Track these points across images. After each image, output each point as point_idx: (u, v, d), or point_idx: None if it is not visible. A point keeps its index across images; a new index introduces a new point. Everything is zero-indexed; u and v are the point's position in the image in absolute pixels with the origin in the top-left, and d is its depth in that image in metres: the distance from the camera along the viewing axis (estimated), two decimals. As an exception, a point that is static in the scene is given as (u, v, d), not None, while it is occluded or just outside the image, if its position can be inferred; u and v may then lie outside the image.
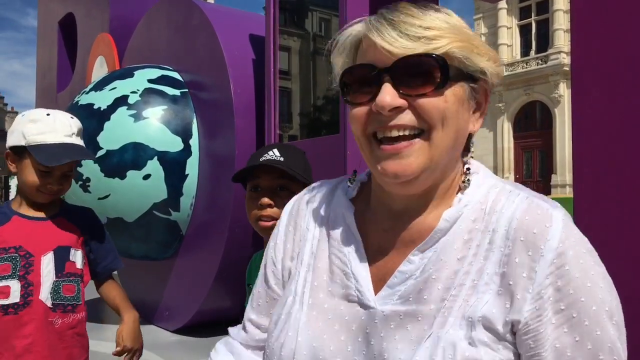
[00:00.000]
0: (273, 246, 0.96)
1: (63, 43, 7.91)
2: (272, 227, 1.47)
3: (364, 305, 0.80)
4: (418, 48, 0.74)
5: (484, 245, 0.77)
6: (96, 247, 1.90)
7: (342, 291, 0.83)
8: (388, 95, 0.75)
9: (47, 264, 1.73)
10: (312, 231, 0.92)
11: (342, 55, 0.83)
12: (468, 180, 0.83)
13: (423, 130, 0.76)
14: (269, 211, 1.49)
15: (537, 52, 32.94)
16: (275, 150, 1.52)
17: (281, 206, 1.48)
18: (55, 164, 1.71)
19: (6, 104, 58.71)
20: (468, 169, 0.84)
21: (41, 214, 1.79)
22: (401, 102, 0.75)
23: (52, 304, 1.73)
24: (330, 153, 3.03)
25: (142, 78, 4.14)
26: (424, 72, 0.74)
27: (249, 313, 0.97)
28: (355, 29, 0.81)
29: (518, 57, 33.96)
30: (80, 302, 1.81)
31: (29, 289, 1.70)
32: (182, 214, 4.02)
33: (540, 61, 32.16)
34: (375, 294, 0.80)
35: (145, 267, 4.47)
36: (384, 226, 0.85)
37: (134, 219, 3.89)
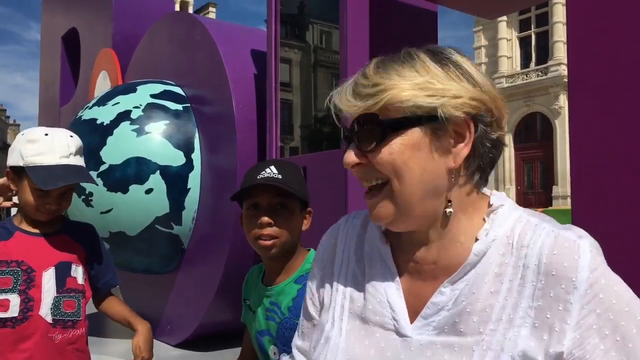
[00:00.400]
0: (312, 276, 1.02)
1: (66, 58, 7.96)
2: (271, 246, 1.47)
3: (400, 334, 0.84)
4: (361, 106, 0.81)
5: (516, 280, 0.79)
6: (97, 263, 1.91)
7: (377, 319, 0.87)
8: (350, 153, 0.84)
9: (48, 280, 1.73)
10: (348, 263, 0.96)
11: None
12: (492, 213, 0.85)
13: (387, 181, 0.82)
14: (269, 230, 1.47)
15: (537, 63, 33.05)
16: (273, 168, 1.49)
17: (280, 224, 1.48)
18: (50, 188, 1.70)
19: (8, 117, 58.96)
20: (490, 204, 0.86)
21: (43, 230, 1.80)
22: (357, 159, 0.83)
23: (53, 319, 1.73)
24: (331, 167, 3.04)
25: (144, 93, 4.17)
26: (366, 131, 0.81)
27: (296, 340, 1.03)
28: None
29: (518, 69, 34.08)
30: (80, 318, 1.81)
31: (29, 304, 1.70)
32: (184, 227, 4.03)
33: (540, 73, 32.26)
34: (410, 323, 0.84)
35: (147, 281, 4.47)
36: (414, 257, 0.88)
37: (136, 233, 3.90)
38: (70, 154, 1.77)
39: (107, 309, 1.96)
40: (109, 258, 1.96)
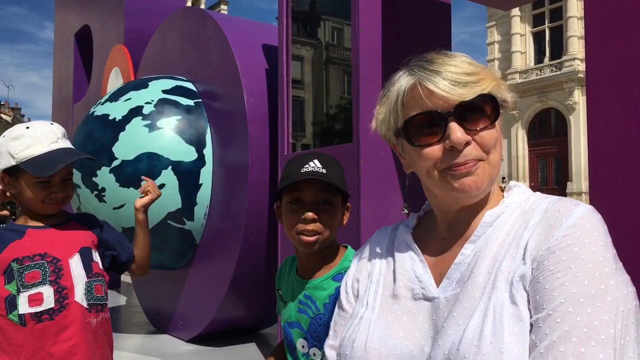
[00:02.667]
0: (347, 279, 1.14)
1: (79, 55, 8.01)
2: (314, 242, 1.44)
3: (429, 298, 0.95)
4: (470, 93, 0.91)
5: (520, 230, 0.91)
6: (113, 241, 1.93)
7: (408, 293, 0.98)
8: (459, 132, 0.91)
9: (76, 266, 1.75)
10: (380, 259, 1.10)
11: (386, 104, 1.00)
12: (506, 184, 1.03)
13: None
14: (313, 226, 1.44)
15: (551, 59, 32.73)
16: (317, 161, 1.45)
17: (323, 220, 1.44)
18: (52, 173, 1.70)
19: (23, 115, 59.57)
20: (503, 178, 0.96)
21: (52, 222, 1.81)
22: (469, 137, 0.92)
23: (88, 304, 1.74)
24: (344, 162, 3.02)
25: (156, 89, 4.18)
26: (481, 111, 0.93)
27: (328, 341, 1.11)
28: (402, 83, 0.97)
29: (532, 64, 33.75)
30: (106, 302, 1.84)
31: (64, 292, 1.70)
32: (196, 223, 4.04)
33: (554, 68, 31.94)
34: (437, 287, 0.96)
35: (159, 277, 4.49)
36: (442, 235, 1.02)
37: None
38: (57, 138, 1.77)
39: (140, 257, 2.01)
40: (119, 234, 1.99)
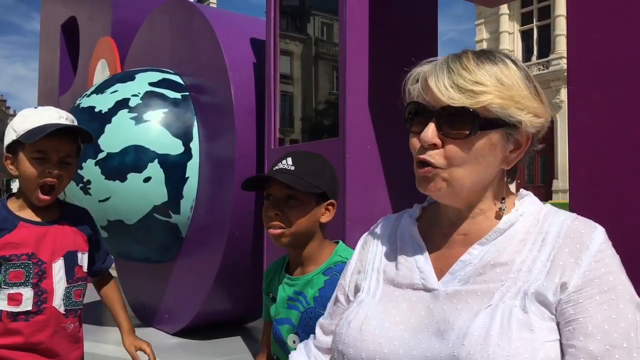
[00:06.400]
0: (347, 268, 1.17)
1: (65, 46, 7.93)
2: (280, 235, 1.49)
3: (428, 289, 0.97)
4: (461, 100, 0.90)
5: (537, 243, 0.93)
6: (96, 245, 1.92)
7: (408, 282, 1.00)
8: (430, 132, 0.92)
9: (58, 271, 1.73)
10: (383, 247, 1.11)
11: (408, 84, 1.00)
12: (503, 208, 1.00)
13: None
14: (276, 223, 1.49)
15: (539, 57, 32.95)
16: (289, 159, 1.50)
17: (290, 215, 1.48)
18: (40, 136, 1.64)
19: (9, 107, 58.93)
20: (503, 198, 1.01)
21: (45, 219, 1.77)
22: (437, 141, 0.92)
23: (65, 309, 1.74)
24: (330, 156, 3.03)
25: (143, 81, 4.15)
26: (460, 122, 0.90)
27: (320, 320, 1.18)
28: (425, 68, 0.98)
29: (520, 62, 33.93)
30: (82, 307, 1.84)
31: (43, 296, 1.70)
32: (183, 216, 4.03)
33: (541, 67, 32.17)
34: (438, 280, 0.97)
35: (145, 270, 4.48)
36: (443, 231, 1.03)
37: (134, 222, 3.90)
38: (61, 117, 1.75)
39: (106, 295, 2.00)
40: (102, 240, 1.99)
